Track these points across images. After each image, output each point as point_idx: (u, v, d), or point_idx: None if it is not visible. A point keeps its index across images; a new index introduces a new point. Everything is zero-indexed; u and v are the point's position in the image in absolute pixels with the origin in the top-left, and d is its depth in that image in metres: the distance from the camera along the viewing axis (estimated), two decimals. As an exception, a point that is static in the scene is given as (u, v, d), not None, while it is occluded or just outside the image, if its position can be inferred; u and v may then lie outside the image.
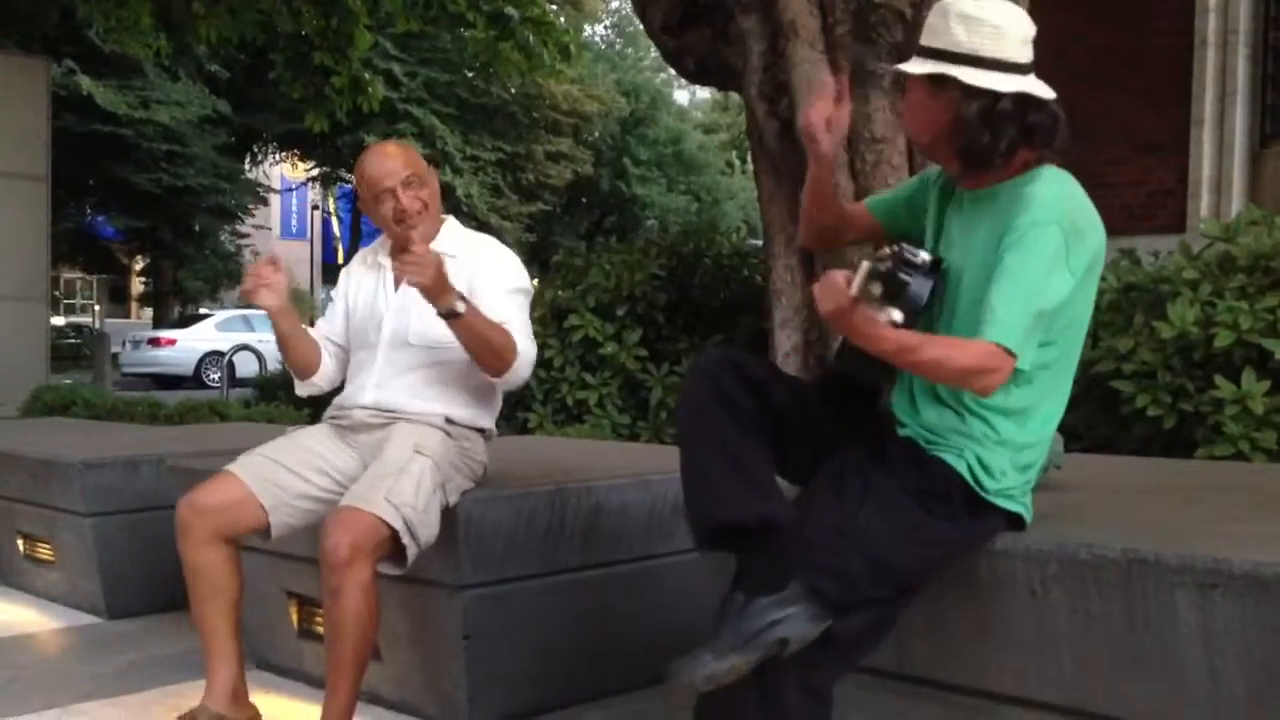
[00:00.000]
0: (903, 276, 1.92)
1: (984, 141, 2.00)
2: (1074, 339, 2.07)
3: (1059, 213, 1.96)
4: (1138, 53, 8.23)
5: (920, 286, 1.98)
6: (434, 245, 2.86)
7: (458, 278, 2.73)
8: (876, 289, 1.85)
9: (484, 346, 2.70)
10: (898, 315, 1.85)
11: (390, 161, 2.86)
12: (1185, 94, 8.19)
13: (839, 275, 1.87)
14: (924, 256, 1.98)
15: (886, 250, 2.01)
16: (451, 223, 2.99)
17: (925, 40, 2.05)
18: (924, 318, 2.02)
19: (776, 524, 1.97)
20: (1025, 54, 2.04)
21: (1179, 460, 3.58)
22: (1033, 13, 5.33)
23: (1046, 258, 1.92)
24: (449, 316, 2.63)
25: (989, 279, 1.94)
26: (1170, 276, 4.36)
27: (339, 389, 3.03)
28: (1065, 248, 1.93)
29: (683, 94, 41.87)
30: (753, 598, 1.88)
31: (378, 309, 2.92)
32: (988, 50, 1.99)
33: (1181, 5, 8.21)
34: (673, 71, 7.69)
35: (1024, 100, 2.00)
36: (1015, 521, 2.01)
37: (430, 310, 2.67)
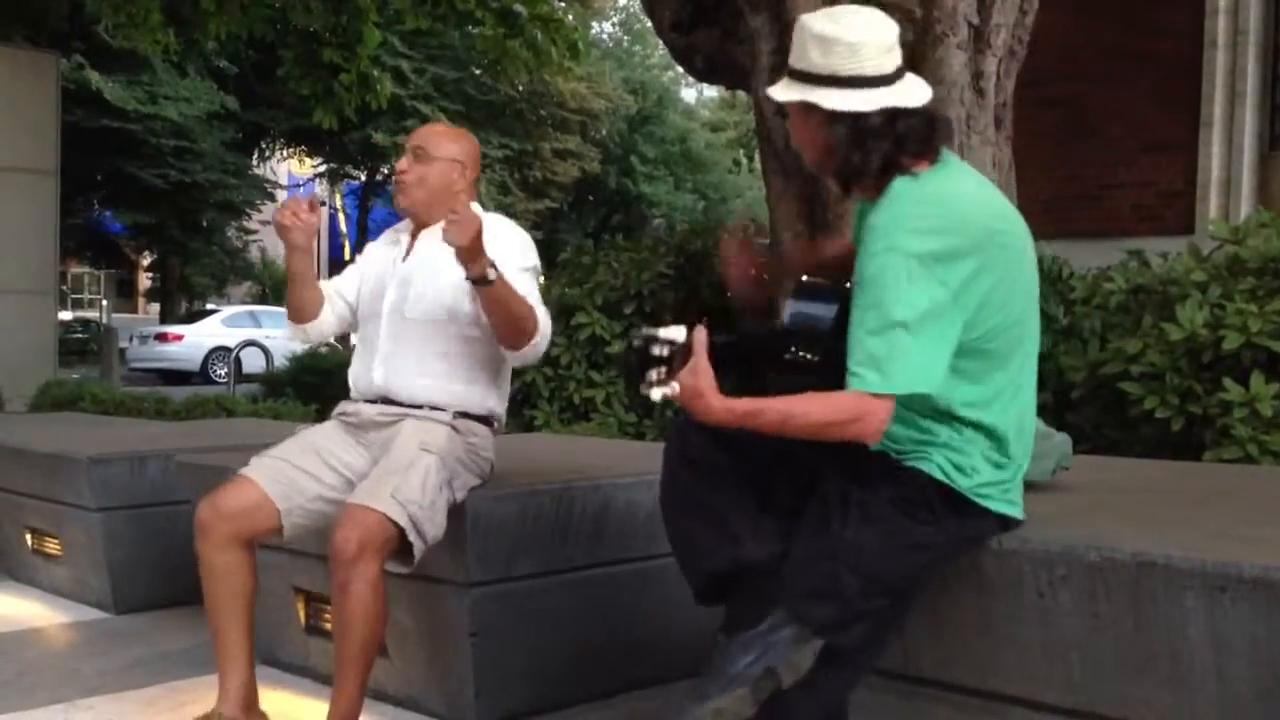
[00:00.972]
0: (641, 361, 1.86)
1: (855, 162, 1.96)
2: (1008, 344, 1.98)
3: (891, 237, 1.89)
4: (1147, 53, 8.21)
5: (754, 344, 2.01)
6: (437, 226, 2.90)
7: (437, 250, 2.79)
8: (651, 376, 1.82)
9: (510, 316, 2.70)
10: (656, 392, 1.81)
11: (420, 130, 2.98)
12: (1194, 95, 8.17)
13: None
14: (654, 334, 1.88)
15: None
16: (474, 206, 3.01)
17: (791, 62, 2.01)
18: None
19: (750, 564, 1.99)
20: (889, 63, 1.97)
21: (1188, 463, 3.58)
22: (1042, 12, 5.32)
23: (887, 285, 1.86)
24: (480, 282, 2.61)
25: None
26: (1179, 278, 4.35)
27: (342, 389, 3.03)
28: (913, 262, 1.86)
29: (690, 92, 41.87)
30: (732, 636, 1.90)
31: (384, 279, 2.93)
32: (846, 69, 1.94)
33: (1191, 6, 8.19)
34: (680, 69, 7.69)
35: (891, 114, 1.95)
36: (1007, 522, 2.00)
37: (435, 282, 2.75)
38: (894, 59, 1.98)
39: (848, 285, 2.02)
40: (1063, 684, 1.87)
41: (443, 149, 2.90)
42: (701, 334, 1.84)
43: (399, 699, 3.06)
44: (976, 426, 1.97)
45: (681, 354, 1.82)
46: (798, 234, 5.26)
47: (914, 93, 1.99)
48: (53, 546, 4.41)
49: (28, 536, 4.53)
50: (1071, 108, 8.39)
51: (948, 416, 1.97)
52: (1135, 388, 4.12)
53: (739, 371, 2.01)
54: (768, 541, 2.02)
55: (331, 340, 3.10)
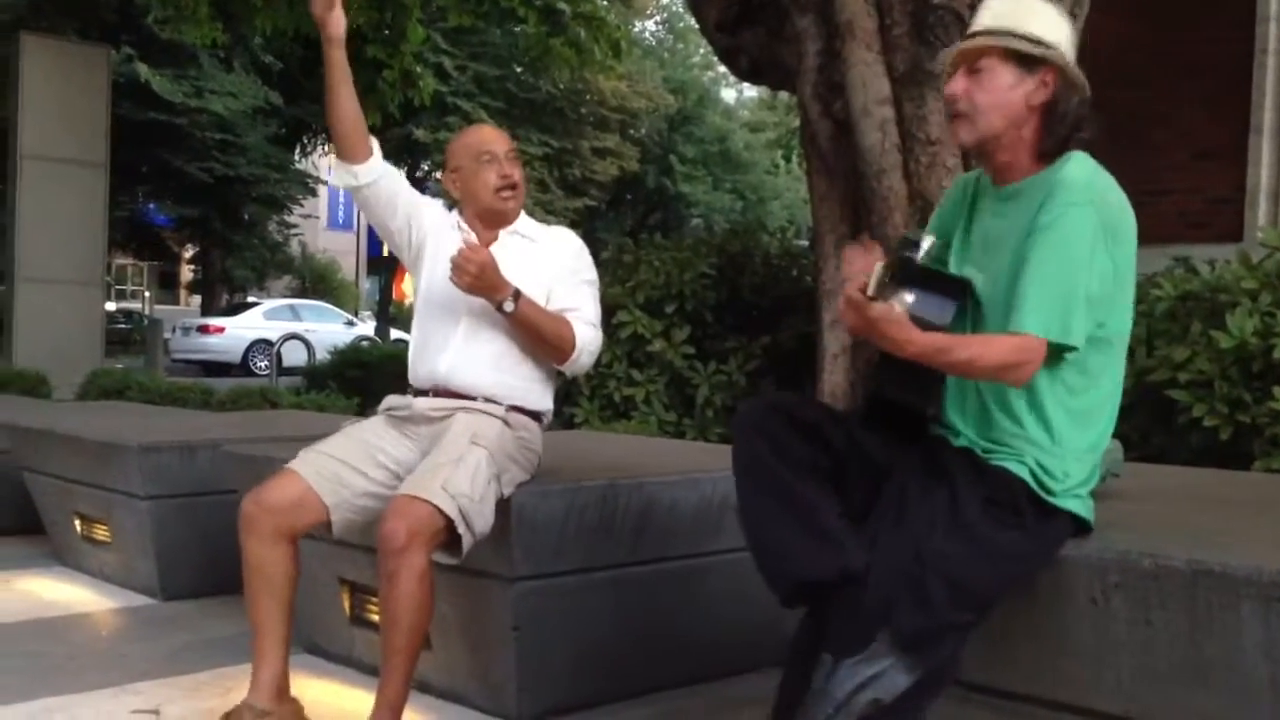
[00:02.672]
0: (907, 255, 1.90)
1: (1062, 133, 2.00)
2: (1122, 330, 2.05)
3: (1092, 194, 1.95)
4: (1196, 59, 8.13)
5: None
6: (515, 228, 3.02)
7: (536, 263, 2.91)
8: (888, 279, 1.84)
9: (539, 339, 2.83)
10: (909, 297, 1.85)
11: (494, 132, 3.06)
12: (1244, 101, 8.07)
13: (854, 286, 1.85)
14: (923, 238, 1.96)
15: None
16: (524, 214, 3.06)
17: (995, 22, 2.02)
18: (957, 328, 2.01)
19: (857, 573, 1.90)
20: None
21: (1238, 472, 3.54)
22: (1091, 17, 5.27)
23: (1084, 240, 1.91)
24: (500, 311, 2.75)
25: (1022, 270, 1.94)
26: (1229, 286, 4.31)
27: (399, 369, 3.06)
28: (1102, 231, 1.92)
29: (730, 92, 41.76)
30: (840, 659, 1.85)
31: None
32: (1065, 42, 2.02)
33: (1241, 13, 8.10)
34: (721, 69, 7.70)
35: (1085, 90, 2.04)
36: (1080, 525, 2.00)
37: (518, 282, 2.81)
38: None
39: (967, 280, 2.04)
40: (1114, 692, 1.86)
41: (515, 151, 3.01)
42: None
43: (441, 690, 3.08)
44: (1077, 429, 1.98)
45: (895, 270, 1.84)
46: (841, 236, 5.25)
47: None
48: (102, 533, 4.47)
49: (77, 522, 4.60)
50: (1119, 113, 8.27)
51: (1052, 414, 1.97)
52: (1183, 395, 4.08)
53: None
54: (861, 548, 1.93)
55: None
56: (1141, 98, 8.28)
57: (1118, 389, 2.08)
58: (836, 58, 5.08)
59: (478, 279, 2.70)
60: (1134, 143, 8.27)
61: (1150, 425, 4.22)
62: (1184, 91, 8.16)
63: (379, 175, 3.00)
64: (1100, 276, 1.92)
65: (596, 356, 2.93)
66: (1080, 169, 2.00)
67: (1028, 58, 1.99)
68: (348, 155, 2.96)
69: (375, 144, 3.00)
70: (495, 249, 2.94)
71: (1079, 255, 1.90)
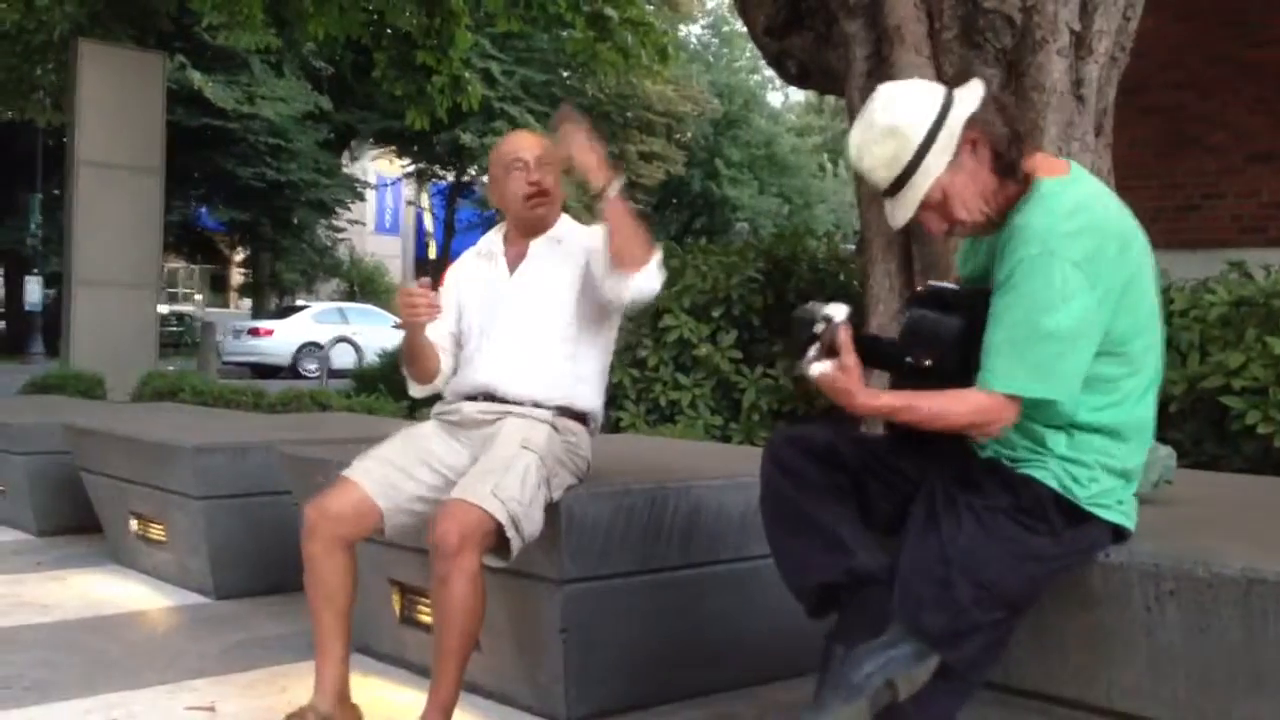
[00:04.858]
0: (803, 334, 1.90)
1: (1011, 140, 1.98)
2: (1142, 346, 2.01)
3: (1050, 241, 1.89)
4: (1251, 61, 8.01)
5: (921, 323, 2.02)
6: (551, 233, 3.01)
7: (566, 257, 2.91)
8: (810, 353, 1.87)
9: (630, 232, 2.75)
10: (815, 368, 1.85)
11: (528, 140, 3.04)
12: (1300, 103, 7.95)
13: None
14: (819, 310, 1.94)
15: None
16: (565, 216, 3.07)
17: (890, 172, 2.00)
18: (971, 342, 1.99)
19: (866, 573, 1.99)
20: (935, 86, 2.05)
21: (1294, 479, 3.49)
22: (1145, 18, 5.21)
23: (1043, 288, 1.87)
24: (601, 195, 2.73)
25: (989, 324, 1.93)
26: (1285, 291, 4.25)
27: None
28: (1071, 268, 1.87)
29: (776, 96, 41.69)
30: (851, 647, 1.89)
31: (493, 295, 2.99)
32: (930, 98, 2.00)
33: (1297, 12, 7.98)
34: (767, 73, 7.72)
35: (990, 95, 2.01)
36: (1119, 533, 1.99)
37: (547, 294, 2.85)
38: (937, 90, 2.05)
39: (975, 299, 2.03)
40: (1169, 700, 1.85)
41: (553, 157, 2.98)
42: (847, 329, 1.88)
43: (490, 692, 3.10)
44: (1099, 430, 1.96)
45: (832, 332, 1.84)
46: (889, 239, 5.23)
47: (972, 91, 2.02)
48: (157, 532, 4.54)
49: (133, 522, 4.68)
50: (1173, 116, 8.21)
51: (1069, 427, 1.96)
52: (1237, 402, 4.03)
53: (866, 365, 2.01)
54: (877, 552, 2.02)
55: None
56: (1195, 100, 8.19)
57: (1147, 396, 2.04)
58: (885, 62, 5.07)
59: (588, 148, 2.71)
60: (1188, 146, 8.17)
61: (1203, 432, 4.17)
62: (1239, 94, 8.05)
63: (449, 367, 3.06)
64: (1075, 316, 1.87)
65: (656, 285, 2.84)
66: (1036, 213, 1.95)
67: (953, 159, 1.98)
68: (423, 380, 3.06)
69: (439, 355, 3.04)
70: (529, 257, 2.97)
71: (1041, 305, 1.87)
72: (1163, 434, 4.19)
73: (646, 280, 2.80)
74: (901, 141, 1.96)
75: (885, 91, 2.04)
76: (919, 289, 2.17)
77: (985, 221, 2.03)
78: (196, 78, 19.41)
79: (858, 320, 2.04)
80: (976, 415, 1.90)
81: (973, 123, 1.96)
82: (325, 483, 2.97)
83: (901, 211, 2.01)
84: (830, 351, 1.88)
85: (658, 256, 2.81)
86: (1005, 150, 1.96)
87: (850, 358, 1.88)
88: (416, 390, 3.10)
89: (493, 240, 3.10)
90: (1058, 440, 1.96)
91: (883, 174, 2.00)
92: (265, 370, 20.33)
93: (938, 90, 2.02)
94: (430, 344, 2.99)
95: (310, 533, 2.77)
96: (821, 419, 2.98)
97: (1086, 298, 1.88)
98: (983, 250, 2.14)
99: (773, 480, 2.13)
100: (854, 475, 2.10)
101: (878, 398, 1.91)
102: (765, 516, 2.16)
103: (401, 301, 2.83)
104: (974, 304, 2.02)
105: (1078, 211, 1.94)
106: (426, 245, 39.14)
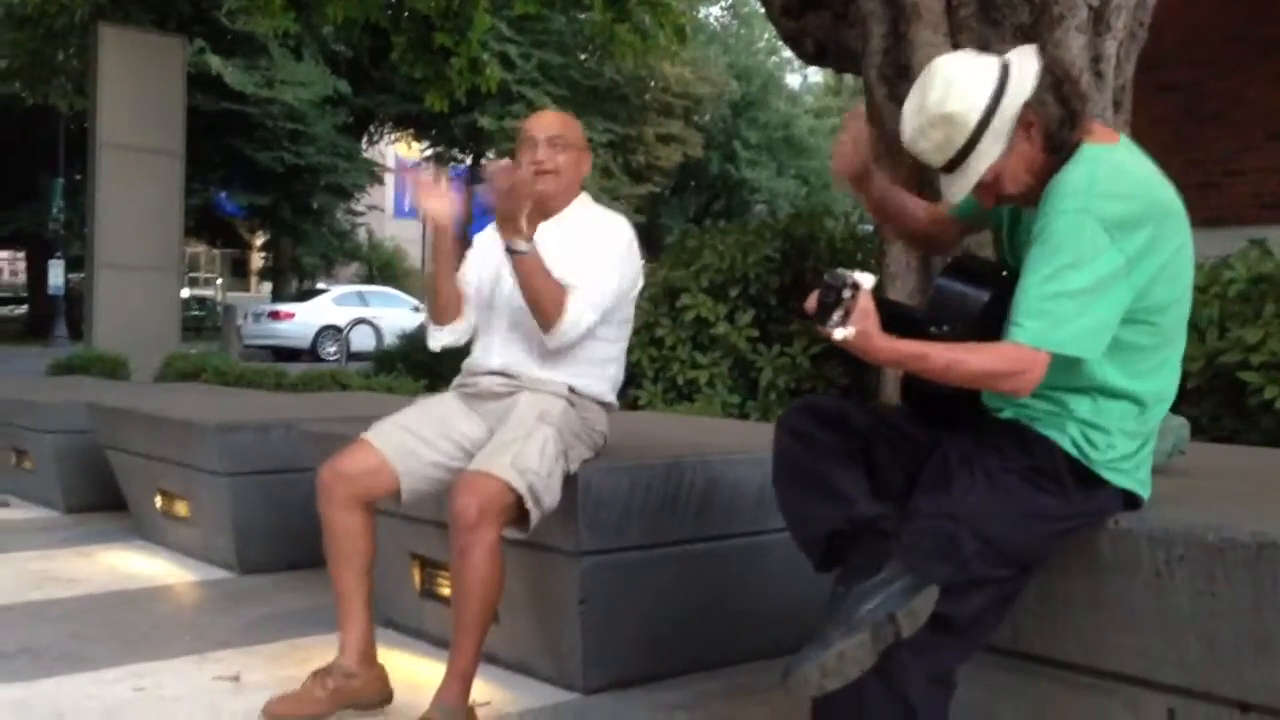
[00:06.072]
0: (829, 298, 1.89)
1: (1065, 120, 1.97)
2: (1175, 318, 2.02)
3: (1084, 198, 1.90)
4: (1271, 38, 7.94)
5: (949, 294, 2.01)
6: (563, 215, 2.99)
7: (568, 249, 2.88)
8: (835, 317, 1.86)
9: (533, 295, 2.78)
10: (839, 332, 1.85)
11: (544, 118, 3.03)
12: (1322, 80, 7.89)
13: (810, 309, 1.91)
14: (848, 276, 1.90)
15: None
16: (584, 198, 3.07)
17: (944, 155, 2.00)
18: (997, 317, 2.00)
19: (866, 520, 2.01)
20: (992, 63, 2.01)
21: (1309, 453, 3.49)
22: (1164, -2, 5.11)
23: (1072, 245, 1.88)
24: (510, 251, 2.75)
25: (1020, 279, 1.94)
26: (1303, 267, 4.25)
27: (464, 352, 3.12)
28: (1103, 230, 1.88)
29: (795, 77, 41.55)
30: (851, 587, 1.92)
31: (502, 271, 2.98)
32: (985, 81, 1.97)
33: (1321, -12, 7.91)
34: (786, 54, 7.70)
35: (1045, 68, 1.98)
36: (1131, 500, 2.01)
37: (555, 270, 2.81)
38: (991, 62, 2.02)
39: (1004, 274, 2.04)
40: (1178, 664, 1.87)
41: (573, 138, 2.99)
42: (870, 281, 1.88)
43: (509, 663, 3.15)
44: (1124, 397, 1.98)
45: (857, 298, 1.86)
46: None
47: (1027, 63, 2.01)
48: (181, 508, 4.61)
49: (158, 498, 4.74)
50: (1192, 92, 8.16)
51: (1092, 391, 1.97)
52: (1255, 377, 4.03)
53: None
54: (879, 503, 2.05)
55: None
56: (1215, 78, 8.13)
57: (1175, 368, 2.06)
58: (902, 40, 5.06)
59: (508, 197, 2.69)
60: (1206, 122, 8.12)
61: (1221, 407, 4.18)
62: (1260, 71, 7.99)
63: (471, 321, 3.06)
64: (1103, 273, 1.88)
65: (577, 339, 2.86)
66: (1078, 171, 1.96)
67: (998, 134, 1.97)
68: (443, 320, 3.04)
69: (464, 300, 3.04)
70: (541, 232, 2.95)
71: (1072, 262, 1.88)
72: (1181, 410, 4.21)
73: (555, 341, 2.83)
74: (956, 128, 1.96)
75: (940, 72, 2.00)
76: (957, 258, 2.18)
77: (1030, 191, 2.05)
78: (215, 62, 19.50)
79: (878, 295, 2.04)
80: (1000, 364, 1.89)
81: (1027, 107, 1.96)
82: (346, 458, 3.01)
83: (956, 190, 2.03)
84: (850, 316, 1.88)
85: (570, 314, 2.80)
86: (1058, 130, 1.97)
87: (869, 303, 1.88)
88: (435, 338, 3.07)
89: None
90: (1080, 403, 1.98)
91: (936, 157, 2.02)
92: (286, 353, 20.43)
93: (992, 69, 1.98)
94: (455, 282, 2.98)
95: (325, 493, 2.81)
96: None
97: (1116, 259, 1.89)
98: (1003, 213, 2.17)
99: (784, 445, 2.17)
100: (864, 441, 2.13)
101: (895, 343, 1.91)
102: (776, 481, 2.19)
103: (417, 190, 2.83)
104: (1002, 278, 2.03)
105: (1120, 176, 1.95)
106: (445, 228, 39.16)
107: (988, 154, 1.97)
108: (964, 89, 1.96)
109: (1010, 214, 2.18)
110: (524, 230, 2.72)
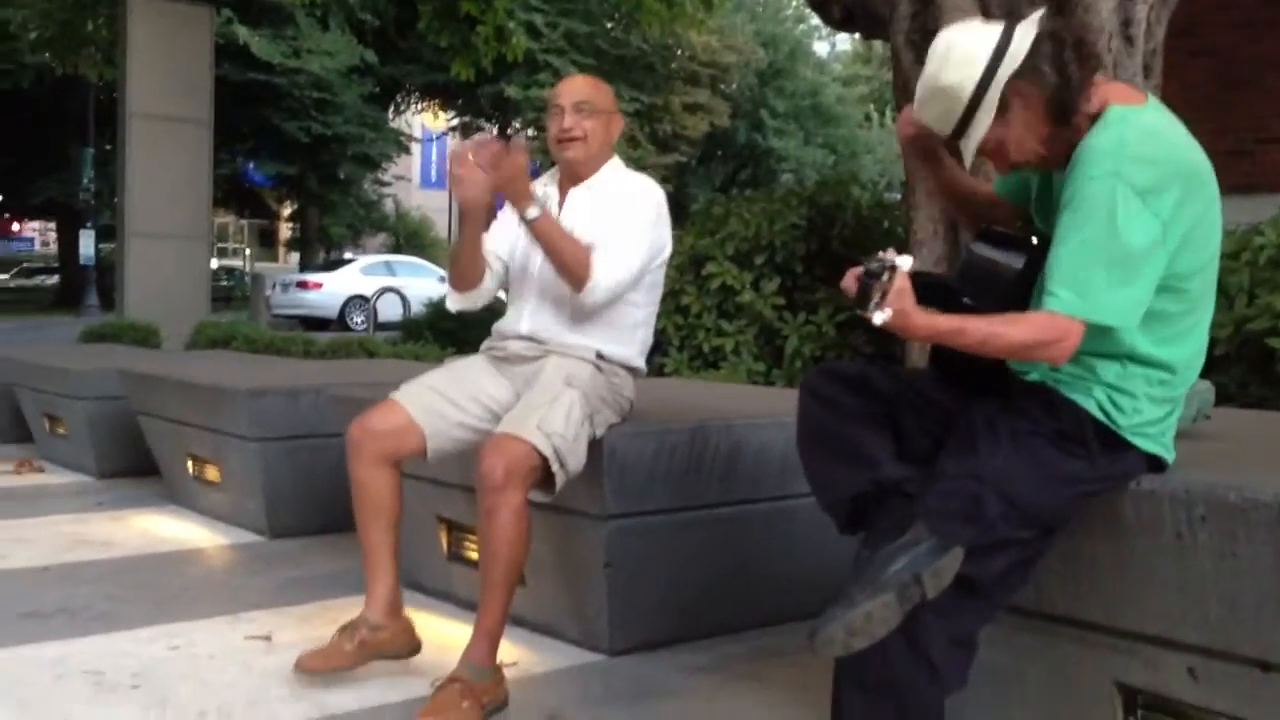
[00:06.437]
0: (870, 282, 1.89)
1: (1061, 88, 1.96)
2: (1203, 284, 2.01)
3: (1114, 162, 1.89)
4: (1309, 1, 7.82)
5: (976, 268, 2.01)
6: (594, 180, 3.01)
7: (600, 212, 2.91)
8: (875, 298, 1.87)
9: (555, 257, 2.82)
10: (879, 316, 1.86)
11: (572, 84, 3.03)
12: (1358, 44, 7.76)
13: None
14: (888, 259, 1.91)
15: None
16: (615, 162, 3.07)
17: (945, 126, 2.01)
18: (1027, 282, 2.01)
19: (891, 483, 2.03)
20: (991, 29, 2.00)
21: (1336, 419, 3.47)
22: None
23: (1105, 211, 1.87)
24: (523, 220, 2.78)
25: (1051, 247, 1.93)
26: (1335, 233, 4.20)
27: (491, 318, 3.14)
28: (1134, 194, 1.87)
29: (822, 45, 41.15)
30: (876, 550, 1.93)
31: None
32: (980, 52, 1.96)
33: (1358, -49, 7.76)
34: (814, 21, 7.65)
35: (1045, 36, 1.96)
36: (1156, 464, 2.01)
37: (586, 237, 2.83)
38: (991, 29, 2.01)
39: (1035, 242, 2.04)
40: (1199, 624, 1.88)
41: (601, 102, 2.99)
42: (909, 262, 1.89)
43: (535, 625, 3.19)
44: (1152, 364, 1.98)
45: (892, 280, 1.87)
46: (932, 186, 5.21)
47: (1028, 26, 2.00)
48: (212, 473, 4.67)
49: (189, 463, 4.81)
50: (1224, 57, 8.04)
51: (1120, 356, 1.97)
52: (1284, 344, 4.00)
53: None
54: (904, 466, 2.07)
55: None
56: (1248, 42, 8.01)
57: (1202, 335, 2.05)
58: (930, 4, 5.02)
59: (502, 174, 2.70)
60: (1239, 88, 8.01)
61: (1248, 375, 4.15)
62: (1294, 34, 7.87)
63: (490, 286, 3.07)
64: (1141, 242, 1.87)
65: (614, 295, 2.88)
66: (1106, 135, 1.94)
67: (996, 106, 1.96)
68: (462, 287, 3.05)
69: (486, 267, 3.04)
70: (566, 206, 2.99)
71: (1105, 230, 1.87)
72: (1209, 377, 4.18)
73: (590, 298, 2.85)
74: (953, 100, 1.97)
75: (940, 44, 2.01)
76: (988, 227, 2.17)
77: (1043, 160, 2.04)
78: (242, 32, 19.50)
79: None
80: (1037, 334, 1.89)
81: (1018, 78, 1.95)
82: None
83: (965, 157, 2.05)
84: (885, 296, 1.89)
85: (598, 272, 2.82)
86: (1055, 97, 1.96)
87: (905, 282, 1.88)
88: (455, 301, 3.10)
89: (546, 182, 3.11)
90: (1108, 369, 1.98)
91: (940, 128, 2.04)
92: (313, 323, 20.55)
93: (991, 38, 1.98)
94: (479, 254, 2.99)
95: (354, 450, 2.85)
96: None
97: (1151, 225, 1.88)
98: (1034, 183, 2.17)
99: (808, 409, 2.18)
100: (888, 405, 2.14)
101: (933, 320, 1.92)
102: (800, 444, 2.21)
103: (453, 164, 2.81)
104: (1033, 245, 2.03)
105: (1148, 139, 1.94)
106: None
107: (984, 124, 1.97)
108: (959, 61, 1.97)
109: (1040, 182, 2.17)
110: (529, 197, 2.75)
